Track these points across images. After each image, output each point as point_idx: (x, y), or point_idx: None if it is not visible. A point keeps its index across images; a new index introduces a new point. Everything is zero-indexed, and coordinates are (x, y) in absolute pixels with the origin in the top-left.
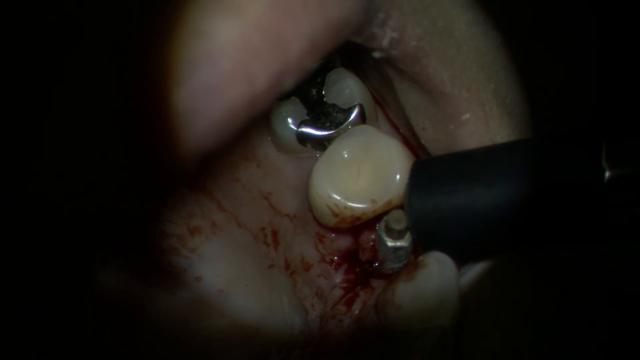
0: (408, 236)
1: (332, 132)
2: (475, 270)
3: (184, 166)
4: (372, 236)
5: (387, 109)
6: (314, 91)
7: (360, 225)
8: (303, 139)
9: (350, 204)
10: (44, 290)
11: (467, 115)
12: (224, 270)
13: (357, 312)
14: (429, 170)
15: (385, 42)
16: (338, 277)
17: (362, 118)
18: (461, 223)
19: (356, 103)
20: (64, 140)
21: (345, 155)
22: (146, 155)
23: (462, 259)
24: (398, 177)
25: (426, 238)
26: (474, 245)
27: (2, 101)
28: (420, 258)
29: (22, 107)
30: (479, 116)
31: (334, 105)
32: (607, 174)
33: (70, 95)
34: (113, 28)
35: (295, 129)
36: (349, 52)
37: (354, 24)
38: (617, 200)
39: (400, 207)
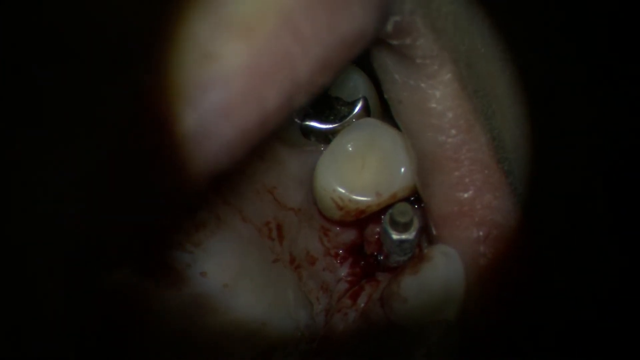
0: (413, 229)
1: (336, 125)
2: None
3: (195, 187)
4: (377, 229)
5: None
6: None
7: (365, 219)
8: (307, 132)
9: (355, 197)
10: (47, 286)
11: (449, 76)
12: (228, 265)
13: (362, 305)
14: None
15: (389, 28)
16: (343, 271)
17: (367, 111)
18: None
19: (360, 96)
20: (73, 162)
21: (350, 149)
22: (157, 177)
23: None
24: (403, 170)
25: None
26: None
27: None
28: (426, 251)
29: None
30: (456, 74)
31: (338, 99)
32: None
33: (79, 116)
34: (123, 51)
35: (299, 122)
36: None
37: (370, 35)
38: None
39: (406, 199)
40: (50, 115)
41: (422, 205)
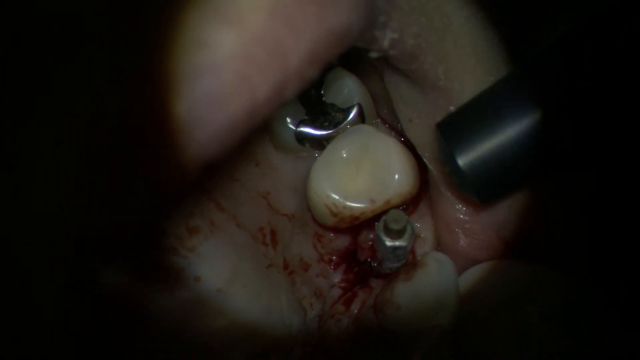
0: (407, 235)
1: (330, 131)
2: (473, 270)
3: (187, 175)
4: (371, 236)
5: (380, 109)
6: (312, 91)
7: (358, 225)
8: (302, 138)
9: (348, 203)
10: (46, 286)
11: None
12: (222, 270)
13: (355, 311)
14: (457, 126)
15: (385, 44)
16: (336, 277)
17: (361, 118)
18: (514, 157)
19: (355, 103)
20: (65, 152)
21: (344, 155)
22: (149, 165)
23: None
24: (397, 176)
25: (484, 191)
26: (533, 169)
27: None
28: (419, 257)
29: (22, 115)
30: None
31: (332, 105)
32: None
33: (71, 106)
34: (115, 40)
35: (294, 128)
36: (348, 52)
37: (356, 32)
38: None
39: (399, 206)
40: (46, 109)
41: (415, 213)
